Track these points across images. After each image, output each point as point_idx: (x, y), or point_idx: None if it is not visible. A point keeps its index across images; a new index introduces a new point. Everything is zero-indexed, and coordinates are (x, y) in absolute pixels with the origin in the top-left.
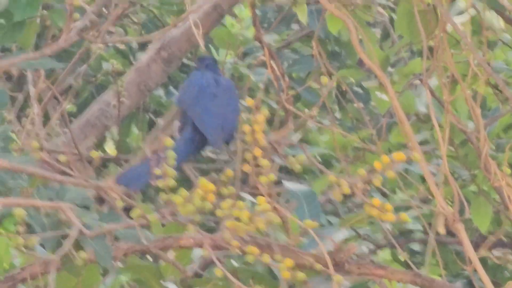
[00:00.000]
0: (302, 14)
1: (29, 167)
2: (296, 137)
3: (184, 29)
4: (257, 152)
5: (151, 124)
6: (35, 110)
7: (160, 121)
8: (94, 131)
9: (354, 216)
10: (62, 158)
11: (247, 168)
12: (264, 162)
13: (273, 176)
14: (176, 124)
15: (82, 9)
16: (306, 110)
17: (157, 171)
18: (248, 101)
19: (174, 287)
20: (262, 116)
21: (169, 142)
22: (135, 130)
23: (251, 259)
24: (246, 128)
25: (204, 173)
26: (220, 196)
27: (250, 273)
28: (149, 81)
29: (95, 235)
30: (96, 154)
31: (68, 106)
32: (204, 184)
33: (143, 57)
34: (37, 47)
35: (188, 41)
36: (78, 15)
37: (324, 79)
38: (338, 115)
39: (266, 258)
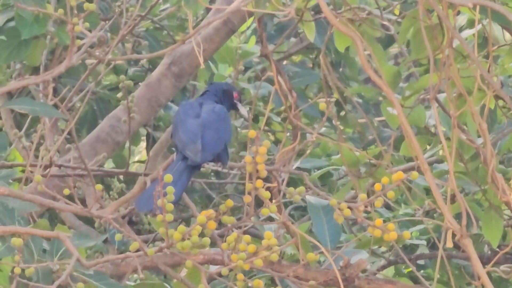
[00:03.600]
0: (310, 32)
1: (28, 194)
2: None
3: (194, 44)
4: (259, 183)
5: (149, 138)
6: (46, 125)
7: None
8: (105, 147)
9: (369, 239)
10: (66, 191)
11: (248, 199)
12: (266, 194)
13: (275, 208)
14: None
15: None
16: (305, 122)
17: (159, 202)
18: (251, 133)
19: None
20: (264, 148)
21: (168, 178)
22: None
23: None
24: (248, 159)
25: (213, 187)
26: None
27: None
28: (160, 96)
29: (93, 265)
30: (100, 187)
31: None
32: (202, 220)
33: (153, 73)
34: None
35: (198, 56)
36: (80, 41)
37: (322, 105)
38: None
39: None
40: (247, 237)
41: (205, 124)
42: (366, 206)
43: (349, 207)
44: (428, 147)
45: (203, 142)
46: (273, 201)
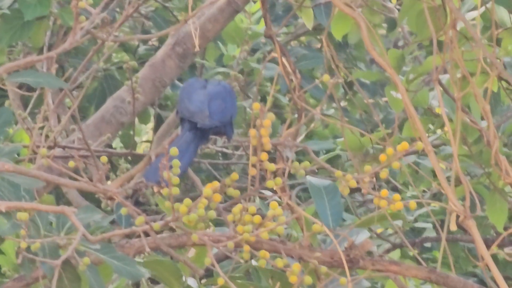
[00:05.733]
0: (308, 19)
1: (33, 170)
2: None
3: (198, 24)
4: (264, 156)
5: (157, 117)
6: (49, 107)
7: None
8: (109, 128)
9: (370, 217)
10: (71, 164)
11: (253, 172)
12: (270, 166)
13: (280, 181)
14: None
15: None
16: (312, 104)
17: (165, 174)
18: (255, 106)
19: (194, 283)
20: (268, 120)
21: (174, 151)
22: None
23: (263, 263)
24: (252, 132)
25: (219, 168)
26: (227, 197)
27: (269, 272)
28: (164, 77)
29: (98, 240)
30: (105, 159)
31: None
32: (208, 192)
33: (157, 53)
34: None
35: (202, 36)
36: (84, 18)
37: (326, 77)
38: (343, 104)
39: (280, 263)
40: (253, 208)
41: (211, 94)
42: (371, 178)
43: (354, 179)
44: (431, 127)
45: (210, 110)
46: (278, 176)
